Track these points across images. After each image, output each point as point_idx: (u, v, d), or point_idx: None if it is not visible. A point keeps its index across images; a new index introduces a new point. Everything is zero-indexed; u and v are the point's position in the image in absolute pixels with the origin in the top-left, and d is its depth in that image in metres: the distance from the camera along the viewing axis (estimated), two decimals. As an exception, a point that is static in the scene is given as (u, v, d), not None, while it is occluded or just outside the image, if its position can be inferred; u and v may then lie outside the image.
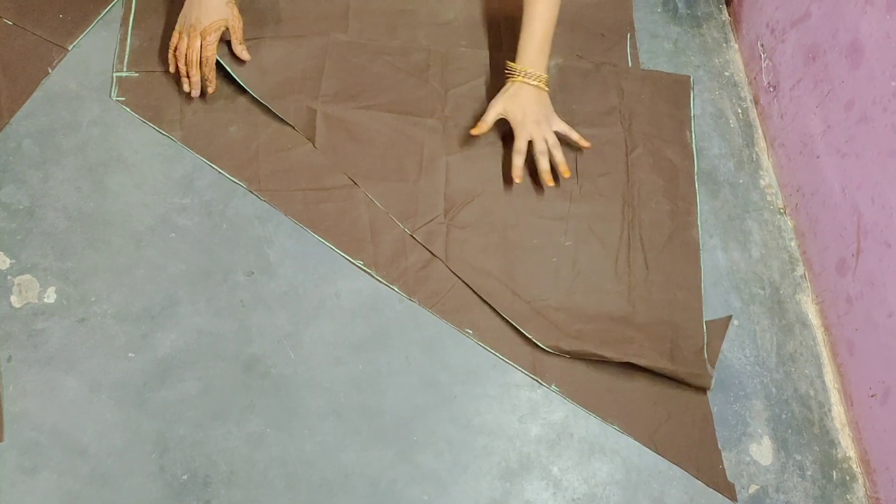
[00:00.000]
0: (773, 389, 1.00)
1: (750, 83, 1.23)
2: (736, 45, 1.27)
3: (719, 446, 0.94)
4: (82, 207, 0.97)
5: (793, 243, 1.11)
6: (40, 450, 0.84)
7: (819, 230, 1.05)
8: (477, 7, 1.20)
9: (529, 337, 0.95)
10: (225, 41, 1.02)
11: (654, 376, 0.95)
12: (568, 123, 1.05)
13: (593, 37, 1.20)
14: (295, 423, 0.90)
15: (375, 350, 0.94)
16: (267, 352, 0.93)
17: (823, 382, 1.02)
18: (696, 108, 1.19)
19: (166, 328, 0.92)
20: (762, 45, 1.19)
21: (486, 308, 0.97)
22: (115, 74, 1.04)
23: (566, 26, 1.17)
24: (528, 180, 1.05)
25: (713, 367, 0.97)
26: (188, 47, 0.99)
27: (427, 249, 0.99)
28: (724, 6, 1.31)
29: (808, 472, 0.96)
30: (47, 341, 0.89)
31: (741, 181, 1.14)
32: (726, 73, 1.24)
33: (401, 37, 1.14)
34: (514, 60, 1.03)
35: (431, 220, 1.01)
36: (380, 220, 1.00)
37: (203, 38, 0.98)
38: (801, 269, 1.09)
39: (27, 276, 0.92)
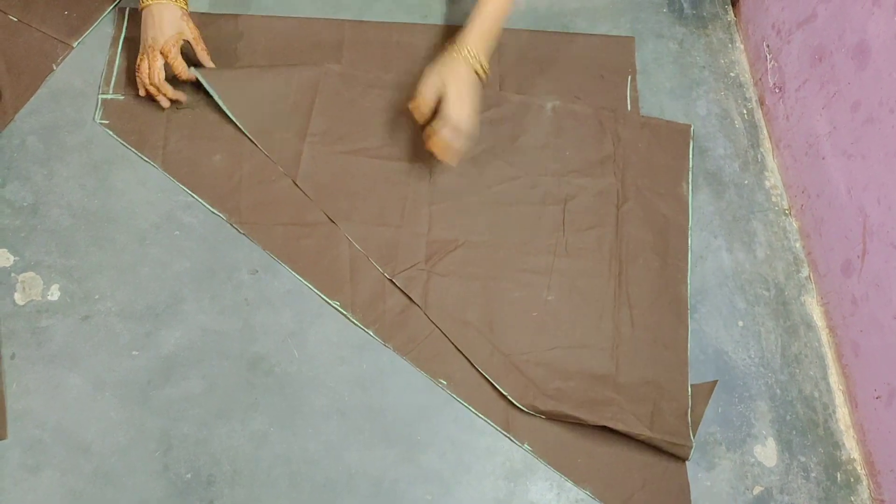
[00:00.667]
0: (778, 391, 1.00)
1: (755, 84, 1.23)
2: (741, 46, 1.27)
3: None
4: (86, 205, 0.97)
5: (798, 244, 1.10)
6: (43, 447, 0.84)
7: (824, 231, 1.05)
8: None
9: (504, 394, 0.93)
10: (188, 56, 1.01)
11: (631, 441, 0.92)
12: (560, 171, 1.06)
13: (593, 78, 1.16)
14: (299, 421, 0.89)
15: (379, 350, 0.94)
16: (271, 350, 0.92)
17: (828, 384, 1.02)
18: (702, 108, 1.19)
19: (170, 326, 0.92)
20: (768, 46, 1.19)
21: (461, 359, 0.95)
22: (100, 97, 1.02)
23: (565, 67, 1.16)
24: (509, 238, 1.02)
25: (694, 435, 0.93)
26: (150, 68, 0.98)
27: (406, 295, 0.97)
28: (730, 7, 1.30)
29: (813, 474, 0.96)
30: (51, 339, 0.89)
31: (746, 182, 1.14)
32: (732, 74, 1.24)
33: (395, 70, 1.11)
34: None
35: (412, 266, 0.98)
36: (360, 260, 0.98)
37: (165, 57, 0.98)
38: (806, 271, 1.09)
39: (31, 274, 0.92)
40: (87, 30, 1.06)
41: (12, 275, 0.92)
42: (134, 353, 0.90)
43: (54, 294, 0.91)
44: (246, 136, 1.02)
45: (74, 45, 1.05)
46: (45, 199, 0.96)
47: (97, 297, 0.92)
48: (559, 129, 1.10)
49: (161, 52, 0.97)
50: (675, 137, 1.14)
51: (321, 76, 1.07)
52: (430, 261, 0.99)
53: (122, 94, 1.03)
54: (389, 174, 1.03)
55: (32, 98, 1.01)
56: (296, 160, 1.02)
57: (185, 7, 0.99)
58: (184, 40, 0.99)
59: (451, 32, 1.15)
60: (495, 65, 1.13)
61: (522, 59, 1.16)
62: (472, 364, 0.94)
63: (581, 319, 0.98)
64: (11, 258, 0.93)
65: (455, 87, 0.96)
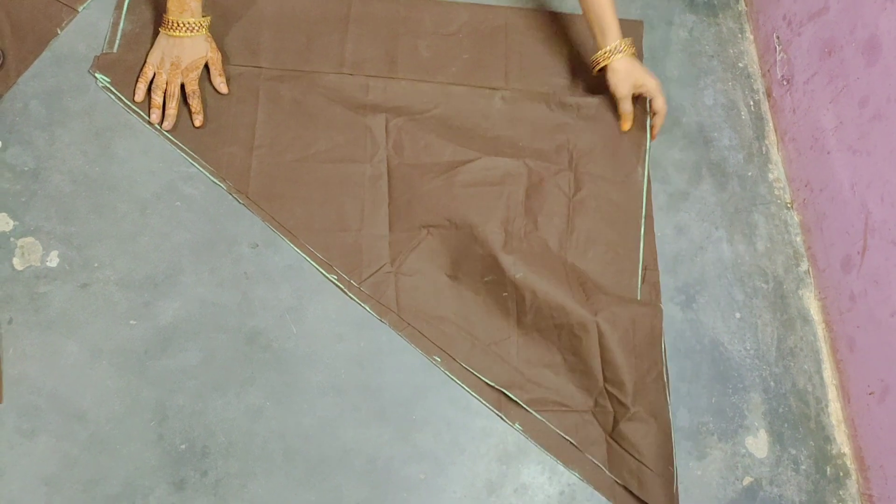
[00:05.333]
0: (772, 383, 1.00)
1: (763, 75, 1.22)
2: (751, 37, 1.26)
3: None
4: (88, 172, 0.96)
5: (798, 238, 1.11)
6: (39, 413, 0.84)
7: (826, 226, 1.05)
8: (482, 19, 1.15)
9: (492, 385, 0.93)
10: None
11: (619, 423, 0.92)
12: (517, 154, 1.05)
13: None
14: (295, 397, 0.90)
15: (377, 328, 0.94)
16: (269, 325, 0.92)
17: (822, 378, 1.02)
18: (708, 98, 1.18)
19: (169, 297, 0.92)
20: (778, 38, 1.18)
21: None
22: (99, 55, 1.01)
23: (571, 51, 1.14)
24: (469, 219, 0.98)
25: (669, 397, 0.95)
26: (168, 82, 0.98)
27: (378, 302, 0.95)
28: (741, -4, 1.30)
29: (803, 467, 0.96)
30: (49, 305, 0.89)
31: (750, 174, 1.14)
32: (740, 65, 1.23)
33: (403, 45, 1.10)
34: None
35: (378, 270, 0.96)
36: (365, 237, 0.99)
37: (185, 76, 0.98)
38: (805, 265, 1.09)
39: (30, 239, 0.92)
40: None
41: (11, 239, 0.91)
42: (132, 322, 0.90)
43: (53, 260, 0.91)
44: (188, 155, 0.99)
45: (80, 9, 1.04)
46: (47, 164, 0.95)
47: (96, 265, 0.92)
48: (511, 121, 1.08)
49: (183, 73, 0.98)
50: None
51: (260, 82, 1.04)
52: (395, 261, 0.97)
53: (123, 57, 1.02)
54: (343, 177, 1.01)
55: (36, 62, 1.00)
56: (245, 175, 0.98)
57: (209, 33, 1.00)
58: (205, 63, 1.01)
59: (456, 9, 1.15)
60: (501, 46, 1.13)
61: (528, 42, 1.14)
62: (454, 360, 0.93)
63: (553, 289, 0.95)
64: (11, 223, 0.92)
65: (647, 80, 1.03)
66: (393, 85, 1.07)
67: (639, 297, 1.00)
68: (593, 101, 1.09)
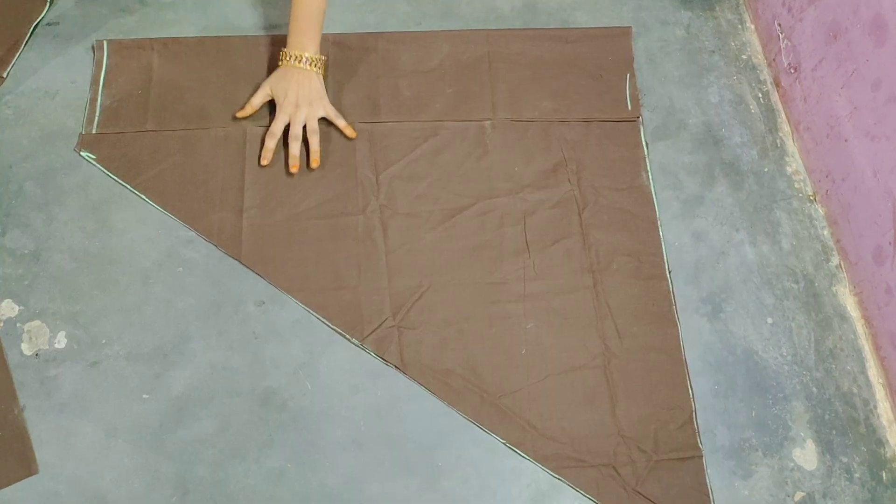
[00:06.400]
0: (814, 389, 0.95)
1: (769, 65, 1.17)
2: (752, 27, 1.21)
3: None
4: (88, 247, 0.95)
5: (825, 232, 1.05)
6: (59, 499, 0.83)
7: (853, 217, 1.00)
8: (463, 49, 1.12)
9: (502, 442, 0.89)
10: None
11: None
12: (513, 188, 1.01)
13: (590, 79, 1.11)
14: (316, 456, 0.87)
15: (393, 375, 0.91)
16: (283, 384, 0.90)
17: (867, 378, 0.97)
18: (714, 95, 1.14)
19: (179, 366, 0.90)
20: (779, 25, 1.13)
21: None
22: (82, 133, 1.01)
23: (559, 70, 1.11)
24: (473, 272, 0.97)
25: (701, 441, 0.90)
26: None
27: (381, 359, 0.92)
28: (737, -15, 1.25)
29: (857, 475, 0.91)
30: (60, 388, 0.88)
31: (766, 169, 1.09)
32: (743, 57, 1.18)
33: (384, 87, 1.08)
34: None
35: (380, 326, 0.93)
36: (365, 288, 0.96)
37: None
38: (835, 259, 1.04)
39: (37, 322, 0.91)
40: (13, 60, 1.05)
41: (18, 325, 0.90)
42: (144, 396, 0.89)
43: (61, 342, 0.90)
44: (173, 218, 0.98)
45: (4, 75, 1.04)
46: (46, 244, 0.95)
47: (104, 341, 0.91)
48: (503, 146, 1.05)
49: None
50: (624, 128, 1.08)
51: (247, 141, 1.02)
52: (397, 315, 0.94)
53: (107, 132, 1.01)
54: (336, 231, 0.98)
55: (27, 142, 1.00)
56: (237, 239, 0.96)
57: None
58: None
59: (435, 40, 1.12)
60: (485, 76, 1.10)
61: (512, 68, 1.11)
62: (464, 417, 0.90)
63: (566, 341, 0.94)
64: (17, 308, 0.91)
65: (294, 97, 1.00)
66: (378, 129, 1.05)
67: (673, 302, 0.97)
68: (583, 119, 1.08)
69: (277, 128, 1.00)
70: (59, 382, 0.88)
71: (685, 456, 0.89)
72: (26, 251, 0.94)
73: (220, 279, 0.95)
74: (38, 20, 1.08)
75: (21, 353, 0.89)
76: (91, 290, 0.93)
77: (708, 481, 0.88)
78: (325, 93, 1.02)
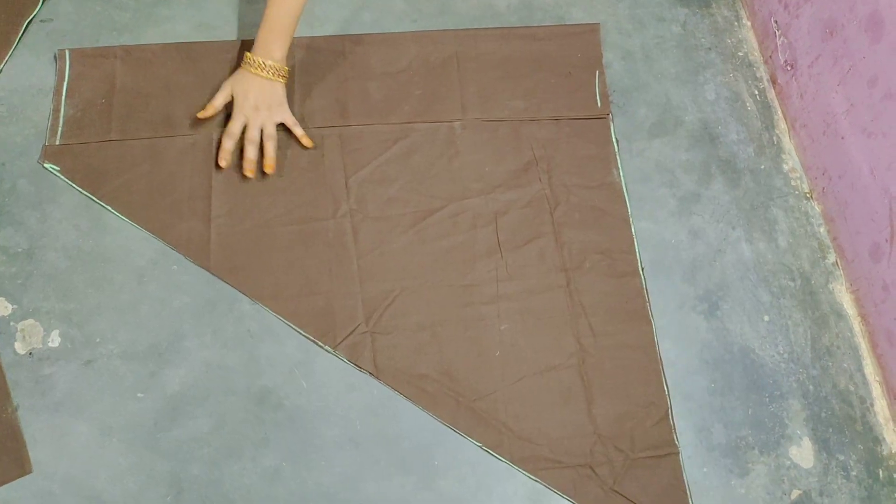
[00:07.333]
0: (811, 387, 0.95)
1: (766, 62, 1.17)
2: (748, 23, 1.21)
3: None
4: (81, 246, 0.95)
5: (822, 229, 1.05)
6: (54, 499, 0.82)
7: (849, 214, 0.99)
8: (431, 49, 1.11)
9: (479, 445, 0.89)
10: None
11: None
12: (484, 189, 1.01)
13: (560, 77, 1.10)
14: (312, 454, 0.87)
15: (389, 373, 0.91)
16: (278, 382, 0.90)
17: (864, 376, 0.97)
18: (710, 93, 1.13)
19: (174, 364, 0.90)
20: (776, 22, 1.13)
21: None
22: (45, 144, 0.99)
23: (529, 68, 1.11)
24: (446, 275, 0.96)
25: (677, 439, 0.90)
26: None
27: (355, 366, 0.91)
28: (734, -18, 1.25)
29: (853, 473, 0.91)
30: (54, 387, 0.87)
31: (763, 167, 1.09)
32: (740, 54, 1.18)
33: (353, 90, 1.06)
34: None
35: (353, 332, 0.92)
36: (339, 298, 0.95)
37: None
38: (832, 257, 1.03)
39: (30, 321, 0.90)
40: (6, 57, 1.03)
41: (11, 324, 0.90)
42: (139, 395, 0.88)
43: (55, 340, 0.90)
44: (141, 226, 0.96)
45: None
46: (40, 242, 0.94)
47: (98, 340, 0.90)
48: (474, 146, 1.04)
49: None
50: (595, 125, 1.07)
51: (213, 148, 1.00)
52: (370, 320, 0.93)
53: (71, 143, 0.99)
54: (306, 237, 0.97)
55: (20, 140, 0.99)
56: (205, 248, 0.95)
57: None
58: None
59: (403, 41, 1.11)
60: (454, 76, 1.09)
61: (481, 69, 1.10)
62: (439, 421, 0.89)
63: (540, 342, 0.93)
64: (10, 307, 0.91)
65: (254, 100, 0.98)
66: (348, 132, 1.04)
67: (647, 299, 0.97)
68: (553, 118, 1.07)
69: (235, 128, 0.98)
70: (53, 381, 0.88)
71: (662, 453, 0.89)
72: (20, 249, 0.94)
73: (215, 277, 0.94)
74: (32, 17, 1.07)
75: (15, 351, 0.89)
76: (85, 288, 0.93)
77: (685, 477, 0.88)
78: (285, 99, 1.00)
